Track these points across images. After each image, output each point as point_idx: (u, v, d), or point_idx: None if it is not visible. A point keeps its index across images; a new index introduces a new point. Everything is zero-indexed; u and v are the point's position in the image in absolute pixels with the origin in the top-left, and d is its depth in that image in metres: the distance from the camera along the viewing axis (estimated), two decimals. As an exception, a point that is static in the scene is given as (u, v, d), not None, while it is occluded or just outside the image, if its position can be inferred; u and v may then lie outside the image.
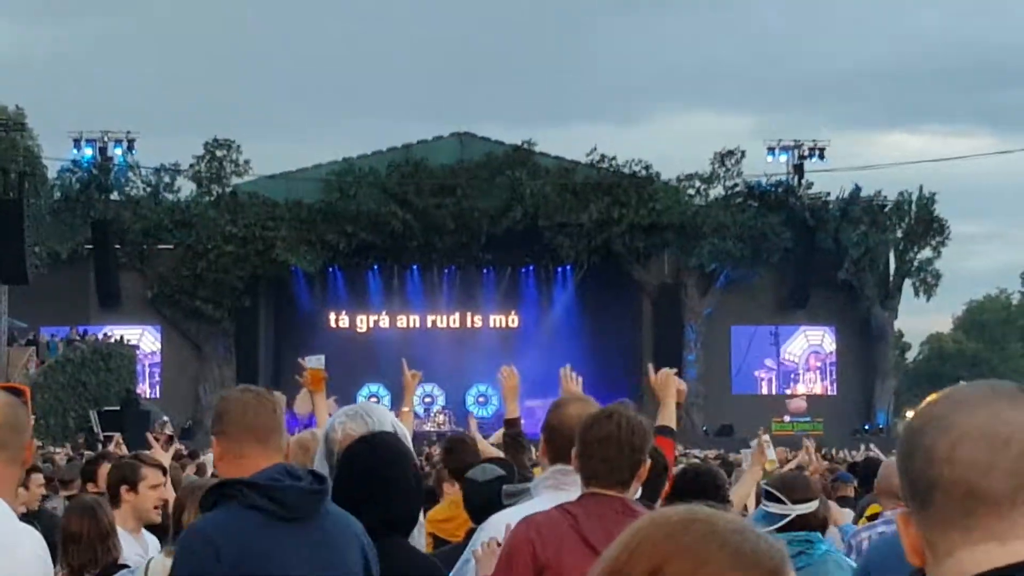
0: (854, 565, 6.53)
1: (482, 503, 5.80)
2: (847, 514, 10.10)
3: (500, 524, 4.79)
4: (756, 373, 55.53)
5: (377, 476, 4.68)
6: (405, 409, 7.69)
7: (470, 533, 5.65)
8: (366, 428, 5.12)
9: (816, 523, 6.39)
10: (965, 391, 1.99)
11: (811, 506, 6.38)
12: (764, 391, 55.16)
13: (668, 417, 6.93)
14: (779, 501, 6.41)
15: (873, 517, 8.08)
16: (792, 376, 55.55)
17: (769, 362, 55.48)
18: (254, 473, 4.46)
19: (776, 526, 6.36)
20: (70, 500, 8.81)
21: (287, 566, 4.36)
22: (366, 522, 4.54)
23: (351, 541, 4.50)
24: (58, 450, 23.39)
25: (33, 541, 3.95)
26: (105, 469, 8.23)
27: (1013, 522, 1.90)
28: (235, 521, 4.39)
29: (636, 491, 4.70)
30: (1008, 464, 1.90)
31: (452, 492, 7.45)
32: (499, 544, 4.64)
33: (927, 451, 1.94)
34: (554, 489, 4.79)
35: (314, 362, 7.21)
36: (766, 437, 8.10)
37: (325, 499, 4.48)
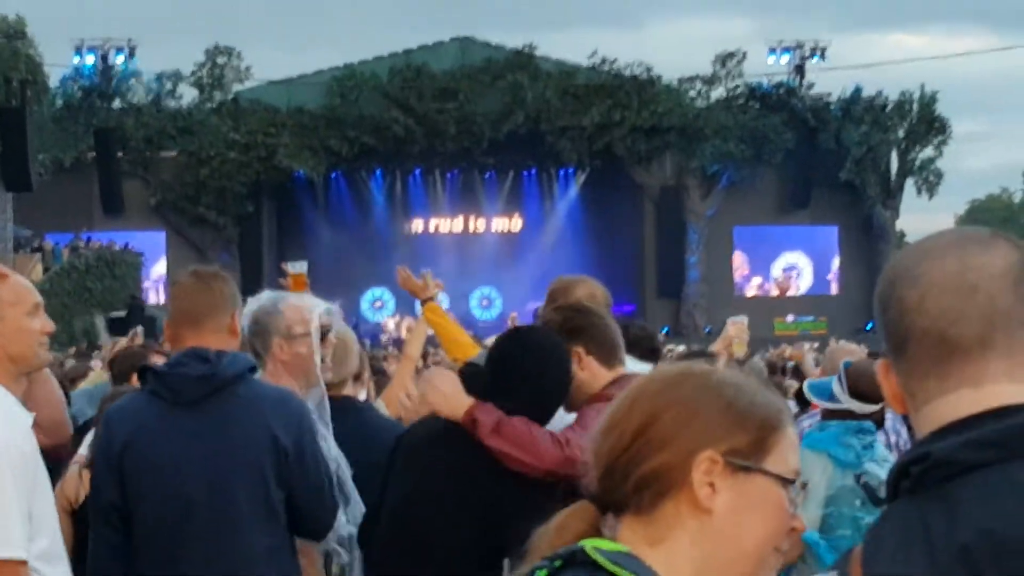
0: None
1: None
2: None
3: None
4: (757, 277, 55.65)
5: (508, 365, 4.58)
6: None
7: None
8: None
9: (871, 421, 6.50)
10: (935, 240, 2.01)
11: (865, 407, 6.46)
12: (751, 292, 55.25)
13: None
14: (841, 385, 6.52)
15: None
16: (797, 274, 55.69)
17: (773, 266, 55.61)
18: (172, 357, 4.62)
19: (825, 404, 6.60)
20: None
21: (173, 449, 4.46)
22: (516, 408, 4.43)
23: (255, 426, 4.49)
24: (69, 352, 23.62)
25: (10, 424, 3.84)
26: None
27: (985, 366, 1.92)
28: (137, 405, 4.60)
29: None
30: (977, 311, 1.92)
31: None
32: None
33: (899, 302, 1.97)
34: None
35: (296, 267, 7.29)
36: (740, 318, 8.14)
37: (220, 382, 4.50)
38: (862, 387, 6.45)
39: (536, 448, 4.35)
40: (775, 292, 55.36)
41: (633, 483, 2.13)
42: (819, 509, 6.21)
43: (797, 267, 55.72)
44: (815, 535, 5.98)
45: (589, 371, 4.72)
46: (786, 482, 2.15)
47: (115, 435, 4.51)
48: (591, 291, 5.72)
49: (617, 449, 2.15)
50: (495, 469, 4.37)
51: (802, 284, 55.75)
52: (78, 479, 6.00)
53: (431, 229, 55.27)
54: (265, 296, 5.31)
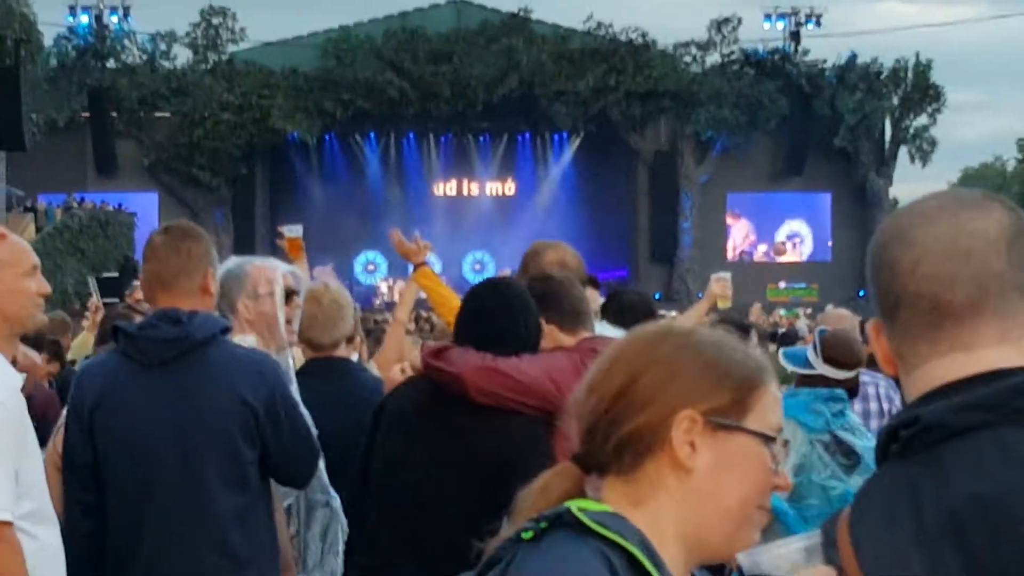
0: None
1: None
2: None
3: None
4: (750, 240, 55.70)
5: (490, 315, 4.63)
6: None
7: None
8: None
9: (844, 388, 6.50)
10: (929, 203, 2.00)
11: (839, 373, 6.47)
12: (758, 258, 55.35)
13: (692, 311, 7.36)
14: (815, 352, 6.53)
15: None
16: (800, 241, 55.82)
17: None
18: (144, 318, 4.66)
19: (799, 370, 6.58)
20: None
21: (137, 409, 4.52)
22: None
23: (223, 388, 4.53)
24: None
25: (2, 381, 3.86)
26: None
27: (977, 331, 1.92)
28: (107, 364, 4.66)
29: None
30: (970, 275, 1.91)
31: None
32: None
33: (891, 266, 1.97)
34: None
35: (293, 231, 7.33)
36: (723, 274, 8.20)
37: (190, 344, 4.53)
38: (836, 354, 6.46)
39: (464, 359, 4.42)
40: (765, 259, 55.37)
41: (614, 444, 2.14)
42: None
43: (799, 235, 55.79)
44: (783, 503, 5.95)
45: (550, 338, 4.75)
46: (767, 439, 2.15)
47: (86, 395, 4.57)
48: (561, 256, 5.74)
49: (598, 410, 2.16)
50: (489, 425, 4.40)
51: (804, 251, 55.78)
52: None
53: (424, 192, 55.08)
54: (231, 260, 5.35)
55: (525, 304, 4.65)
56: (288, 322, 5.22)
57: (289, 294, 5.23)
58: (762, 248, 55.61)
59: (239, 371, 4.57)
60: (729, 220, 55.21)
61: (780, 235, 55.55)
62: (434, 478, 4.44)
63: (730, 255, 54.15)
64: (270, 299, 5.16)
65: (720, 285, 7.99)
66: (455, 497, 4.38)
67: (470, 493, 4.32)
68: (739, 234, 55.63)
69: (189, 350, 4.52)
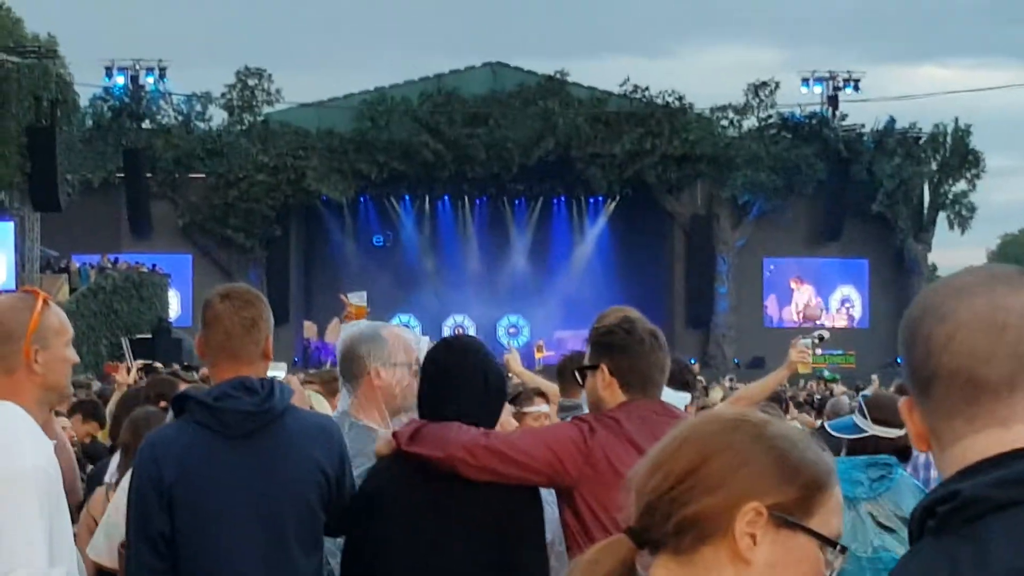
0: (916, 483, 6.61)
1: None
2: None
3: None
4: (786, 308, 55.45)
5: (450, 374, 4.58)
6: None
7: None
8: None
9: (894, 448, 6.42)
10: (963, 278, 1.99)
11: (890, 432, 6.40)
12: (791, 322, 55.05)
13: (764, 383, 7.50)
14: (863, 416, 6.50)
15: None
16: (850, 306, 55.65)
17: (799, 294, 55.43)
18: (213, 386, 4.66)
19: (848, 436, 6.52)
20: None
21: (222, 482, 4.52)
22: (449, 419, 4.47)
23: (303, 458, 4.57)
24: (91, 376, 23.50)
25: (37, 448, 3.91)
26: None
27: (1014, 407, 1.90)
28: (181, 435, 4.65)
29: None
30: (1007, 350, 1.89)
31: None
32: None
33: (926, 341, 1.95)
34: None
35: (357, 299, 7.24)
36: (806, 341, 8.03)
37: (272, 416, 4.56)
38: (884, 415, 6.40)
39: (447, 439, 4.34)
40: (801, 322, 55.12)
41: (675, 524, 2.12)
42: None
43: (851, 299, 55.59)
44: None
45: (609, 390, 4.58)
46: (827, 543, 2.13)
47: (164, 465, 4.55)
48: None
49: (662, 487, 2.14)
50: (484, 497, 4.32)
51: (855, 315, 55.51)
52: (104, 500, 6.16)
53: (459, 255, 55.02)
54: (364, 324, 5.51)
55: (485, 355, 4.65)
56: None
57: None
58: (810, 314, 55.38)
59: (314, 439, 4.64)
60: (793, 284, 54.99)
61: (834, 300, 55.35)
62: (440, 556, 4.38)
63: (795, 317, 53.86)
64: (407, 369, 5.23)
65: (799, 353, 7.84)
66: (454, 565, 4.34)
67: (465, 559, 4.30)
68: (801, 298, 55.36)
69: (270, 421, 4.58)
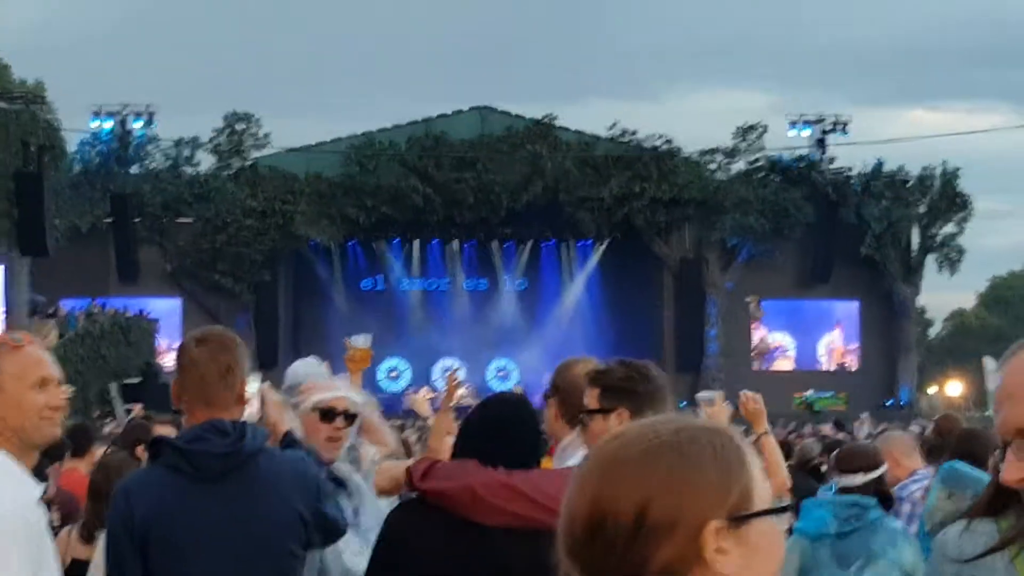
0: (899, 525, 6.83)
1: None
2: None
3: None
4: (776, 349, 55.38)
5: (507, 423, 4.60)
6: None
7: None
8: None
9: (870, 491, 6.57)
10: None
11: (855, 479, 6.58)
12: (785, 367, 54.95)
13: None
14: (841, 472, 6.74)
15: None
16: (844, 352, 55.52)
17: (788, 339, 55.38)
18: (186, 429, 4.70)
19: (833, 492, 6.77)
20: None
21: (194, 524, 4.56)
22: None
23: (279, 497, 4.61)
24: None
25: (16, 492, 3.85)
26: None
27: None
28: (154, 479, 4.68)
29: None
30: None
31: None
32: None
33: None
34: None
35: (362, 341, 7.15)
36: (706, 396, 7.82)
37: (244, 458, 4.58)
38: (844, 463, 6.84)
39: (464, 472, 4.36)
40: (790, 367, 55.05)
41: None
42: None
43: (840, 341, 55.51)
44: None
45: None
46: (774, 513, 2.10)
47: (136, 509, 4.57)
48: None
49: (614, 544, 2.02)
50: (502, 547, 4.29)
51: (849, 361, 55.36)
52: (67, 541, 6.30)
53: (448, 298, 54.89)
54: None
55: (537, 423, 4.71)
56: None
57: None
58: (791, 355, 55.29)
59: (288, 480, 4.66)
60: (752, 325, 54.94)
61: (821, 346, 55.31)
62: None
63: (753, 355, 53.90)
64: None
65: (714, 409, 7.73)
66: None
67: None
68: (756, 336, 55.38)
69: (243, 463, 4.59)
